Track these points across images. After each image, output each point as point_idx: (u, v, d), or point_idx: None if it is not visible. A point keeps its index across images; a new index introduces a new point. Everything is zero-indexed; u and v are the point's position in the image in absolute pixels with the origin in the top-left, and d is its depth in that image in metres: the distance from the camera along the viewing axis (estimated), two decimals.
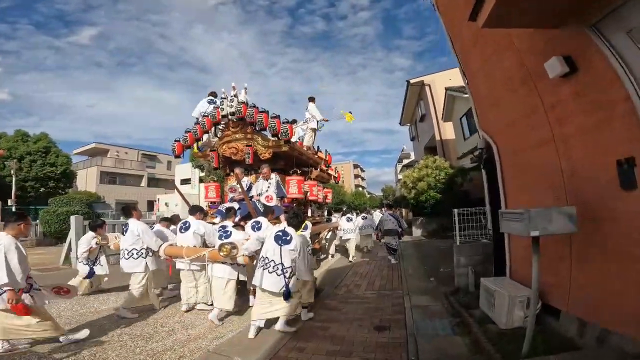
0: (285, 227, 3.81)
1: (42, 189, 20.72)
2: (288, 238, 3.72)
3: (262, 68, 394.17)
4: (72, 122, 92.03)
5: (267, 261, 3.64)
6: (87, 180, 30.71)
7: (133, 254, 4.46)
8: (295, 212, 4.16)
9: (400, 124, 25.51)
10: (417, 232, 15.35)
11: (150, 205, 28.89)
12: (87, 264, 5.36)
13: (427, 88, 18.05)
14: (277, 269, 3.58)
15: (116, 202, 30.48)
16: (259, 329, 3.67)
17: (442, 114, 15.44)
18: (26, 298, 3.11)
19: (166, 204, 23.69)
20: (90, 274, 5.35)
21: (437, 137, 16.59)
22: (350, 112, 8.23)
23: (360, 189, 58.82)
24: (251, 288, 4.47)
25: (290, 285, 3.58)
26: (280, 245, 3.67)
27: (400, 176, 28.77)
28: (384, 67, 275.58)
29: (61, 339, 3.39)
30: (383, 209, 13.03)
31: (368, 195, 56.08)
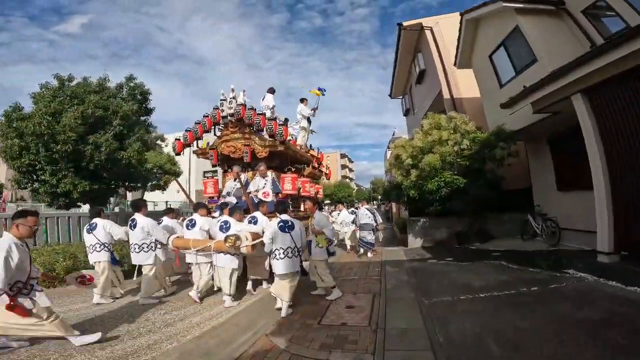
0: (282, 217, 4.18)
1: None
2: (290, 224, 4.10)
3: (258, 61, 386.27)
4: None
5: (283, 249, 3.99)
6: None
7: (144, 248, 4.67)
8: (280, 201, 5.31)
9: (390, 95, 20.20)
10: (415, 242, 9.73)
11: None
12: (108, 250, 4.88)
13: (428, 33, 12.65)
14: (294, 253, 4.05)
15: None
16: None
17: (456, 59, 9.94)
18: (25, 301, 2.92)
19: None
20: (114, 260, 5.01)
21: (446, 95, 11.13)
22: (318, 89, 8.06)
23: (347, 180, 53.67)
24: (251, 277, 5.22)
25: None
26: (289, 232, 4.05)
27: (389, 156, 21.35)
28: (378, 63, 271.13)
29: (72, 339, 3.18)
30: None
31: (355, 188, 51.03)
